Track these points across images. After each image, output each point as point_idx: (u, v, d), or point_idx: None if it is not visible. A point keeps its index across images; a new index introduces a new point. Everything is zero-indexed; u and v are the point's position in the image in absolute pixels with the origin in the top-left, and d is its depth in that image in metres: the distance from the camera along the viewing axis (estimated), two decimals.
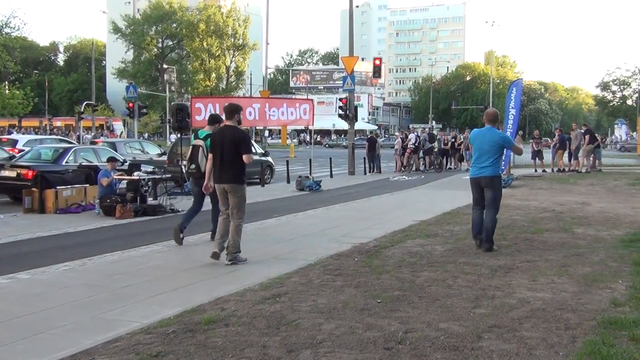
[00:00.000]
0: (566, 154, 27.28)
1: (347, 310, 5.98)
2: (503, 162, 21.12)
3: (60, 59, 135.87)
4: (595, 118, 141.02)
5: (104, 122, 73.64)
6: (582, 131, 26.16)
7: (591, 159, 26.64)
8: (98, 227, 12.35)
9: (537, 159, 27.05)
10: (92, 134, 47.37)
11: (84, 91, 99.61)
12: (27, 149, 20.40)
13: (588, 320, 5.56)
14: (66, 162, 17.07)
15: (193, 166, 9.71)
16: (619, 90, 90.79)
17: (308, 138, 76.68)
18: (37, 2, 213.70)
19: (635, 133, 70.93)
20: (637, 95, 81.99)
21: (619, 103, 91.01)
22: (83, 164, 16.93)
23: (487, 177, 8.98)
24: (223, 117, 9.05)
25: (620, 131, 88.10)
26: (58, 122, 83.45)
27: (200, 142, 9.69)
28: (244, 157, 8.18)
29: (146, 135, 75.21)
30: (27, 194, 14.50)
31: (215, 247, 8.46)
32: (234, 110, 8.48)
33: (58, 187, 14.59)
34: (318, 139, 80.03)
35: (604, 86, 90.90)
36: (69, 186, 14.90)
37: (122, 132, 71.11)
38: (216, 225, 8.95)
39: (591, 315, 5.70)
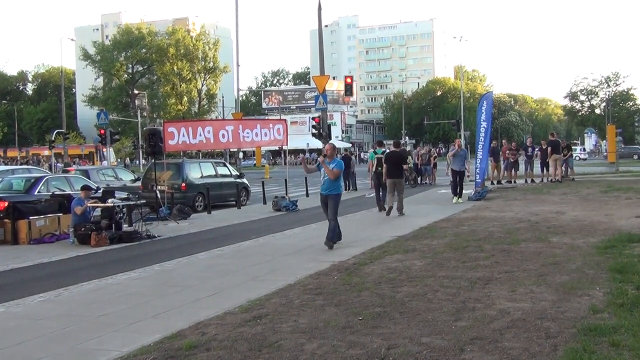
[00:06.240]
0: (538, 165, 27.53)
1: (329, 329, 5.96)
2: (478, 176, 21.49)
3: (29, 88, 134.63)
4: (565, 128, 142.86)
5: (94, 149, 68.40)
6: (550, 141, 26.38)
7: (563, 168, 26.91)
8: (73, 257, 12.16)
9: (512, 170, 27.09)
10: (64, 162, 46.79)
11: (54, 119, 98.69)
12: None
13: (568, 328, 5.60)
14: (38, 191, 16.86)
15: (380, 168, 17.44)
16: (587, 99, 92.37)
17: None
18: (3, 32, 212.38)
19: (604, 142, 72.04)
20: (604, 104, 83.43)
21: (587, 112, 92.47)
22: (56, 193, 16.73)
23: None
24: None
25: (590, 140, 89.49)
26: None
27: (381, 156, 17.91)
28: (405, 166, 17.27)
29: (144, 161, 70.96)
30: None
31: (388, 208, 16.32)
32: (399, 144, 17.58)
33: (31, 218, 14.37)
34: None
35: (572, 96, 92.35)
36: (42, 216, 14.68)
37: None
38: (382, 203, 17.51)
39: (571, 323, 5.75)
